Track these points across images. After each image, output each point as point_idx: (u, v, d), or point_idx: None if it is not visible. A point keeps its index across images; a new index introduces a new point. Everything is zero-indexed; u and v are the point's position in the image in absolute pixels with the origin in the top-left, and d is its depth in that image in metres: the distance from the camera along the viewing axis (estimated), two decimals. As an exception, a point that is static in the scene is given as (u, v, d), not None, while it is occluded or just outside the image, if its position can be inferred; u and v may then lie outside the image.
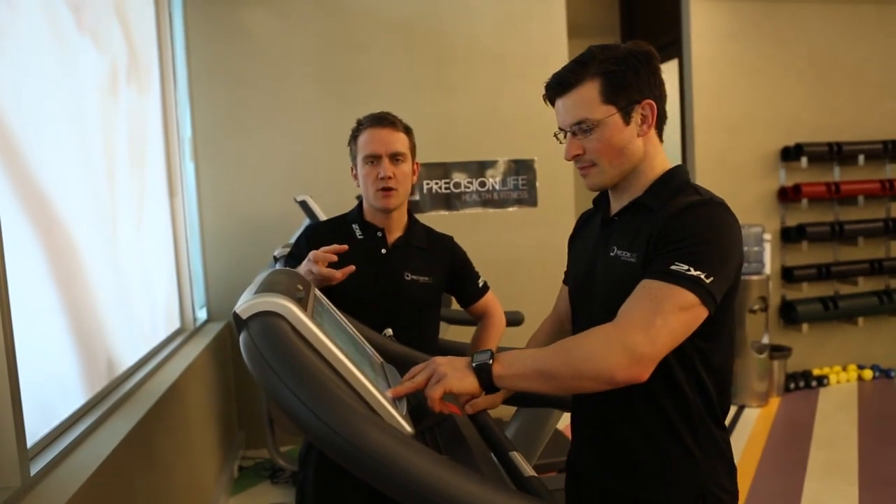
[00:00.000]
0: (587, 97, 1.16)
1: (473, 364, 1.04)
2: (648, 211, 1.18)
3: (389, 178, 1.70)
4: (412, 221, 1.85)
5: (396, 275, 1.75)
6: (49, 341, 1.72)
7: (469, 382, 1.03)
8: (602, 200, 1.33)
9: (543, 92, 1.24)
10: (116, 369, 2.19)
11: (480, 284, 1.93)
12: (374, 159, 1.71)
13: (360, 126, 1.76)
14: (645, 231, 1.14)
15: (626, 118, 1.17)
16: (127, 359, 2.31)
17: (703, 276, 1.03)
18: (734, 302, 1.19)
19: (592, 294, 1.25)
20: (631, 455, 1.20)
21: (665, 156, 1.25)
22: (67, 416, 1.74)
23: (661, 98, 1.20)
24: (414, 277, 1.76)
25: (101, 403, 1.97)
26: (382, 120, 1.74)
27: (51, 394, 1.69)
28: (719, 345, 1.18)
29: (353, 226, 1.80)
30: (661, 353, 1.01)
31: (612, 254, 1.21)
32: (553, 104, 1.23)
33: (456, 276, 1.88)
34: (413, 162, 1.79)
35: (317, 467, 1.73)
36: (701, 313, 1.04)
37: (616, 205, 1.27)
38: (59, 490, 1.41)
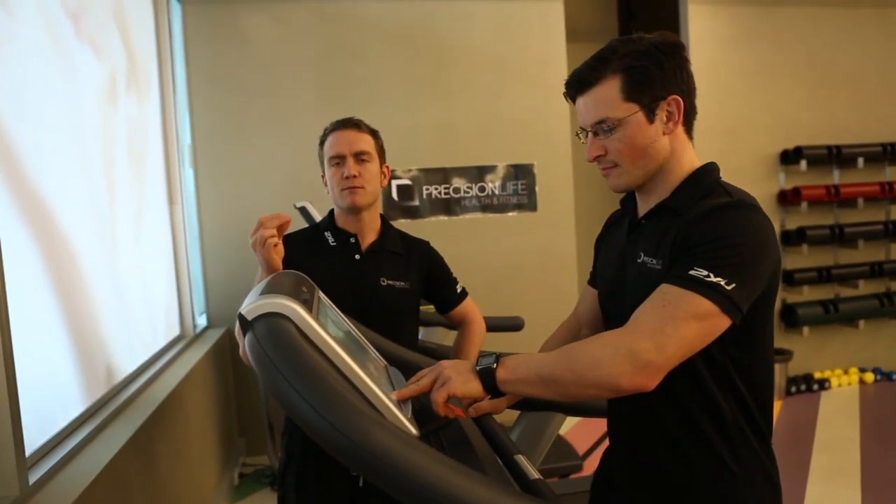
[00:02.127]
0: (607, 95, 1.10)
1: (478, 368, 1.03)
2: (675, 214, 1.11)
3: (354, 176, 1.68)
4: (386, 226, 1.82)
5: (372, 280, 1.72)
6: (48, 349, 1.71)
7: (473, 386, 1.01)
8: (629, 201, 1.26)
9: (556, 96, 1.20)
10: (116, 377, 2.18)
11: (459, 290, 1.90)
12: (338, 160, 1.70)
13: (326, 132, 1.76)
14: (670, 236, 1.08)
15: (650, 116, 1.11)
16: (126, 366, 2.31)
17: (722, 283, 0.97)
18: (771, 309, 1.11)
19: (623, 301, 1.17)
20: (663, 472, 1.15)
21: (694, 153, 1.18)
22: (66, 424, 1.74)
23: (688, 92, 1.14)
24: (390, 282, 1.74)
25: (100, 411, 1.96)
26: (346, 122, 1.74)
27: (50, 402, 1.69)
28: (755, 354, 1.11)
29: (326, 233, 1.78)
30: (669, 361, 0.96)
31: (639, 260, 1.15)
32: (574, 102, 1.18)
33: (433, 282, 1.86)
34: (382, 164, 1.77)
35: (297, 485, 1.71)
36: (721, 322, 0.98)
37: (643, 207, 1.20)
38: (58, 499, 1.40)
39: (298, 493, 1.71)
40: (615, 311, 1.21)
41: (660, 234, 1.11)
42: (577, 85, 1.15)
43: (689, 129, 1.17)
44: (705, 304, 0.96)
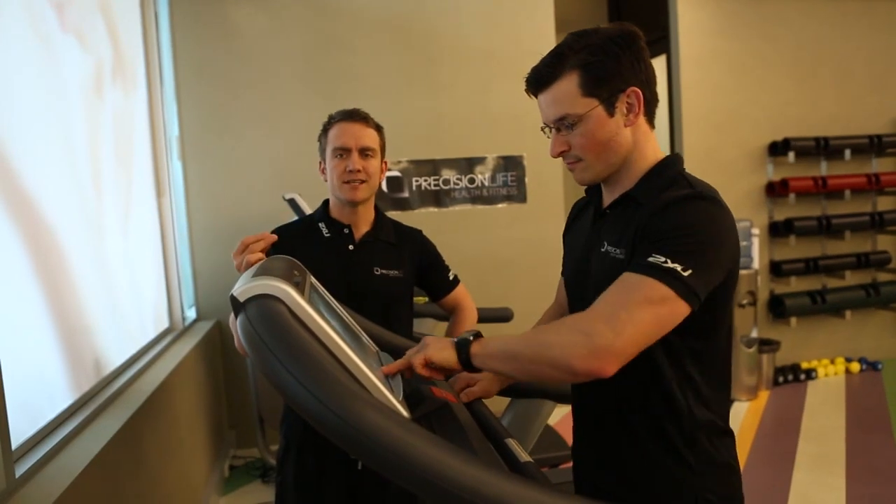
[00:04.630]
0: (566, 92, 1.11)
1: (455, 340, 1.07)
2: (638, 204, 1.12)
3: (358, 171, 1.70)
4: (380, 216, 1.84)
5: (366, 270, 1.74)
6: (35, 342, 1.71)
7: (447, 355, 1.05)
8: (595, 191, 1.27)
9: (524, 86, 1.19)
10: (104, 369, 2.17)
11: (451, 277, 1.93)
12: (343, 152, 1.71)
13: (332, 120, 1.76)
14: (632, 226, 1.09)
15: (610, 109, 1.10)
16: (115, 359, 2.30)
17: (679, 269, 0.97)
18: (730, 302, 1.12)
19: (587, 289, 1.19)
20: (623, 459, 1.17)
21: (657, 144, 1.18)
22: (54, 416, 1.73)
23: (648, 82, 1.13)
24: (384, 272, 1.76)
25: (88, 404, 1.96)
26: (354, 115, 1.74)
27: (37, 395, 1.68)
28: (715, 345, 1.12)
29: (320, 224, 1.79)
30: (627, 347, 0.95)
31: (602, 249, 1.16)
32: (536, 98, 1.18)
33: (426, 270, 1.88)
34: (382, 160, 1.79)
35: (295, 470, 1.72)
36: (678, 308, 0.98)
37: (608, 197, 1.21)
38: (46, 491, 1.40)
39: (297, 480, 1.72)
40: (578, 299, 1.23)
41: (623, 224, 1.13)
42: (535, 83, 1.15)
43: (650, 118, 1.17)
44: (661, 289, 0.97)
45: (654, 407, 1.11)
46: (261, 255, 1.39)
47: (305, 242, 1.74)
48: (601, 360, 0.94)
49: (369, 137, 1.73)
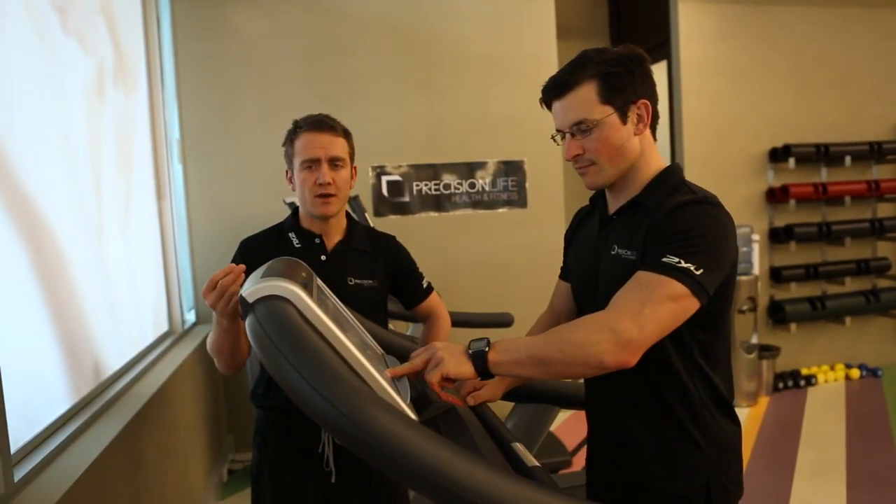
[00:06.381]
0: (585, 98, 1.20)
1: (470, 351, 1.08)
2: (646, 209, 1.21)
3: (329, 183, 1.64)
4: (352, 224, 1.78)
5: (339, 281, 1.66)
6: (34, 345, 1.70)
7: (465, 368, 1.07)
8: (599, 200, 1.36)
9: (540, 95, 1.27)
10: (103, 373, 2.17)
11: (425, 285, 1.88)
12: (312, 164, 1.65)
13: (298, 128, 1.70)
14: (643, 229, 1.18)
15: (623, 118, 1.21)
16: (114, 362, 2.29)
17: (692, 268, 1.07)
18: (731, 296, 1.22)
19: (597, 292, 1.28)
20: (639, 446, 1.24)
21: (659, 154, 1.28)
22: (52, 420, 1.72)
23: (654, 98, 1.25)
24: (358, 282, 1.71)
25: (87, 408, 1.95)
26: (322, 124, 1.68)
27: (35, 398, 1.68)
28: (718, 336, 1.23)
29: (290, 234, 1.73)
30: (648, 339, 1.04)
31: (613, 253, 1.24)
32: (549, 107, 1.27)
33: (400, 277, 1.83)
34: (351, 167, 1.74)
35: (272, 485, 1.68)
36: (691, 304, 1.08)
37: (614, 204, 1.30)
38: (44, 496, 1.39)
39: (273, 493, 1.68)
40: (589, 302, 1.31)
41: (632, 228, 1.22)
42: (556, 89, 1.24)
43: (654, 131, 1.28)
44: (679, 287, 1.06)
45: (666, 393, 1.20)
46: (238, 287, 1.28)
47: (275, 253, 1.61)
48: (629, 353, 1.03)
49: (338, 147, 1.67)
